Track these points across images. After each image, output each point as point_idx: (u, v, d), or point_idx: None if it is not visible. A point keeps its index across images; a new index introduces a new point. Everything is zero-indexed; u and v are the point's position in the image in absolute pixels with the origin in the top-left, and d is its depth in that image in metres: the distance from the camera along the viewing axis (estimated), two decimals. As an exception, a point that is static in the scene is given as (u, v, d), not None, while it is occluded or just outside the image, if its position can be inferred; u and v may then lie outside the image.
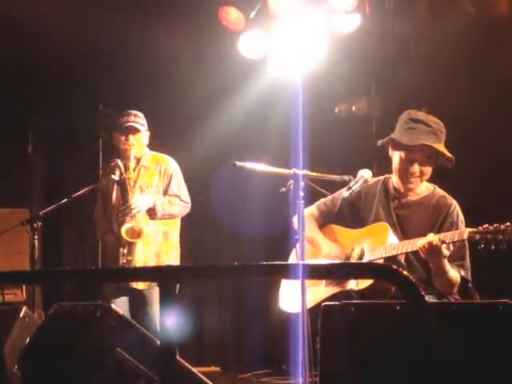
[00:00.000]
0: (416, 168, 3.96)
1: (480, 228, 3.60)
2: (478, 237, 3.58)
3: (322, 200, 4.35)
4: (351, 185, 3.99)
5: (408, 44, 6.00)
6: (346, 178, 4.07)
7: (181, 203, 5.42)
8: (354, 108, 6.63)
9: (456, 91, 5.76)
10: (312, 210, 4.32)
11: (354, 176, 4.04)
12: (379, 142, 4.11)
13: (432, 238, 3.68)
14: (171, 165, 5.48)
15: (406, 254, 3.83)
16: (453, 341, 2.61)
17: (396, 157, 4.01)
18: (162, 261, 5.34)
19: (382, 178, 4.15)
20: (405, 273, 1.79)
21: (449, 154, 3.95)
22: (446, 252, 3.70)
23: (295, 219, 4.04)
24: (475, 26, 5.71)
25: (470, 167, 5.76)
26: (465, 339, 2.64)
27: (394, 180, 4.08)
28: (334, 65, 6.29)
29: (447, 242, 3.67)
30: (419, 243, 3.71)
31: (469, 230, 3.63)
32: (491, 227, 3.56)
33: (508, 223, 3.54)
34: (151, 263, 5.30)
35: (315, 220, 4.30)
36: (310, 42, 6.09)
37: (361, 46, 6.22)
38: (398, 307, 2.69)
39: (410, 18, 5.93)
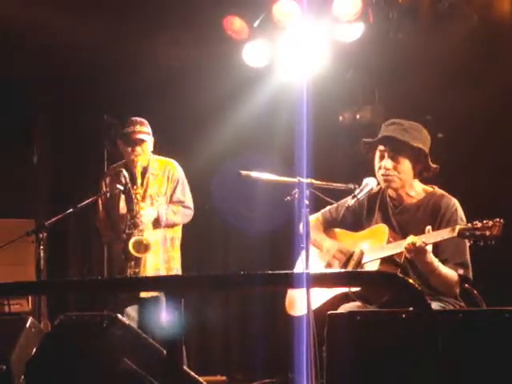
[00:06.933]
0: (387, 163, 3.97)
1: (469, 225, 3.64)
2: (467, 233, 3.61)
3: (328, 208, 4.40)
4: (356, 193, 4.00)
5: (411, 52, 5.99)
6: (351, 186, 4.08)
7: (184, 211, 5.45)
8: (358, 116, 6.62)
9: (460, 99, 5.76)
10: (317, 216, 4.38)
11: (359, 184, 4.05)
12: (364, 151, 4.13)
13: (413, 238, 3.69)
14: (178, 170, 5.51)
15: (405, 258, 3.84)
16: (458, 348, 2.60)
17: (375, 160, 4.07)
18: (170, 266, 5.39)
19: (381, 187, 4.15)
20: (411, 281, 1.80)
21: (416, 145, 3.94)
22: (429, 249, 3.70)
23: (301, 228, 4.05)
24: (479, 33, 5.71)
25: (473, 174, 5.77)
26: (470, 347, 2.63)
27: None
28: (337, 73, 6.30)
29: (438, 240, 3.68)
30: (404, 244, 3.73)
31: (459, 227, 3.65)
32: (480, 223, 3.59)
33: (497, 219, 3.56)
34: (161, 270, 5.33)
35: (320, 225, 4.35)
36: (313, 50, 6.10)
37: (364, 55, 6.22)
38: (404, 315, 2.69)
39: (413, 27, 5.93)
